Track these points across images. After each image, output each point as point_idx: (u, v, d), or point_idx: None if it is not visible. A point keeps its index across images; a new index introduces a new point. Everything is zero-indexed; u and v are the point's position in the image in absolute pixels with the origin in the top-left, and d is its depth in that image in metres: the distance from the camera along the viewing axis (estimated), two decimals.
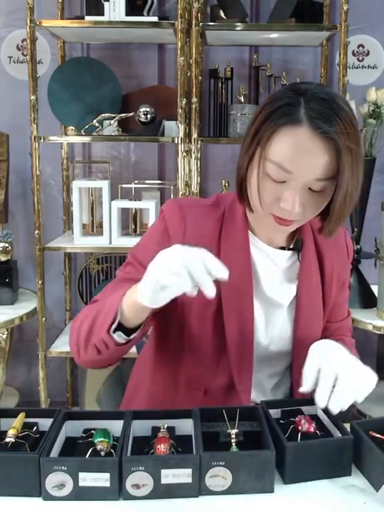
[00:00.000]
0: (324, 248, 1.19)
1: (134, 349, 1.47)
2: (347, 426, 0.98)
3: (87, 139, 2.22)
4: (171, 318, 1.16)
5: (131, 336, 1.00)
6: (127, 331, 1.00)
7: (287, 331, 1.17)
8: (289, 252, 1.17)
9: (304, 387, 0.95)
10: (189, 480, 0.86)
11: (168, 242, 1.09)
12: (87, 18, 2.12)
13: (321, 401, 0.92)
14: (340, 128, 0.94)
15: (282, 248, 1.16)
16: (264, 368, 1.19)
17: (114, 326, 0.98)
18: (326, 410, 1.04)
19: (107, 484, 0.86)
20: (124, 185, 2.25)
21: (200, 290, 0.85)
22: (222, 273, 0.85)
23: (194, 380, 1.15)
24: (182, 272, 0.83)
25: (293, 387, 1.21)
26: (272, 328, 1.17)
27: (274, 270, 1.16)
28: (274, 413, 1.03)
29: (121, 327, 0.99)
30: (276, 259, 1.16)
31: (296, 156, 0.96)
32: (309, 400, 1.07)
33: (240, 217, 1.14)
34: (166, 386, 1.19)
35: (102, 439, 0.92)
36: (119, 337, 0.99)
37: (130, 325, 1.00)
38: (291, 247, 1.17)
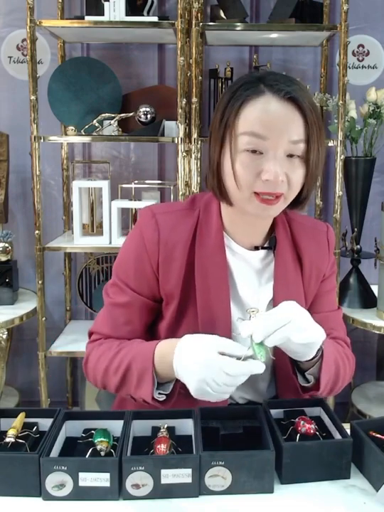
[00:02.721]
0: (302, 243, 1.18)
1: None
2: (347, 426, 0.98)
3: (87, 139, 2.22)
4: (158, 327, 1.18)
5: (169, 390, 1.04)
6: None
7: None
8: (263, 252, 1.16)
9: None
10: (189, 480, 0.86)
11: (145, 255, 1.11)
12: (87, 18, 2.12)
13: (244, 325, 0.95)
14: (298, 89, 1.01)
15: (257, 248, 1.15)
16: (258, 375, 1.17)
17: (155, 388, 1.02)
18: (328, 410, 1.04)
19: (107, 484, 0.86)
20: (124, 185, 2.25)
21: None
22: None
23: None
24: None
25: (277, 385, 1.19)
26: None
27: (249, 273, 1.15)
28: (276, 413, 1.03)
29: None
30: (251, 260, 1.15)
31: (267, 120, 0.99)
32: (312, 400, 1.07)
33: (215, 218, 1.14)
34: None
35: (102, 439, 0.92)
36: (160, 395, 1.03)
37: (162, 380, 1.04)
38: (265, 245, 1.16)
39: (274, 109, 0.99)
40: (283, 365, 1.12)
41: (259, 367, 0.92)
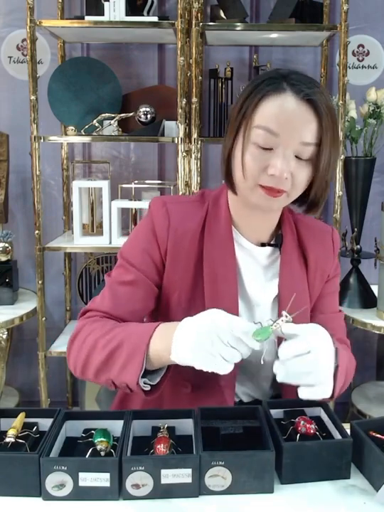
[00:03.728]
0: (308, 242, 1.19)
1: None
2: (347, 426, 0.98)
3: (87, 139, 2.22)
4: (160, 319, 1.14)
5: (155, 381, 1.00)
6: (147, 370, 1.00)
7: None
8: (270, 249, 1.17)
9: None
10: (189, 480, 0.86)
11: (154, 240, 1.12)
12: (87, 18, 2.12)
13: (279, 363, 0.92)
14: (318, 92, 1.02)
15: (264, 245, 1.16)
16: (260, 371, 1.16)
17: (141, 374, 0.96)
18: (328, 411, 1.04)
19: (107, 484, 0.86)
20: (124, 185, 2.25)
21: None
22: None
23: (180, 378, 1.12)
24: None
25: (281, 384, 1.18)
26: None
27: (255, 267, 1.16)
28: (277, 413, 1.03)
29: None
30: (258, 256, 1.16)
31: (282, 118, 1.00)
32: (312, 400, 1.07)
33: (224, 212, 1.15)
34: None
35: (101, 439, 0.92)
36: (145, 384, 0.98)
37: (151, 368, 1.00)
38: (272, 242, 1.17)
39: (291, 108, 1.00)
40: None
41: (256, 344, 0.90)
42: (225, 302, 1.09)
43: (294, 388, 1.10)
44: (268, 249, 1.17)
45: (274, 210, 1.13)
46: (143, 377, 0.98)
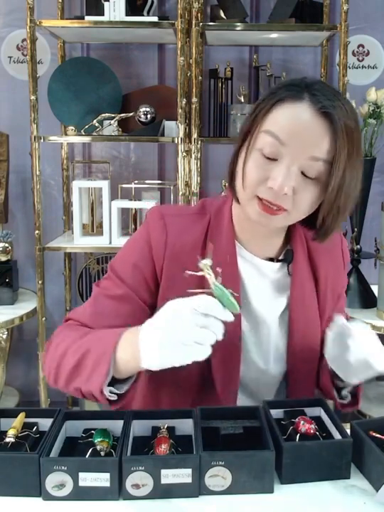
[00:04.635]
0: (318, 256, 1.14)
1: None
2: (347, 426, 0.98)
3: (87, 139, 2.22)
4: None
5: (123, 390, 0.93)
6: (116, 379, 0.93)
7: (282, 347, 1.12)
8: (278, 264, 1.11)
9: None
10: (189, 480, 0.86)
11: (149, 255, 1.05)
12: (87, 18, 2.12)
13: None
14: (339, 107, 0.93)
15: (271, 260, 1.10)
16: (260, 390, 1.14)
17: (106, 383, 0.90)
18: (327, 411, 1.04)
19: (107, 484, 0.86)
20: (124, 185, 2.25)
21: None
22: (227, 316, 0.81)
23: (180, 393, 1.10)
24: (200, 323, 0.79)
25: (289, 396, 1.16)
26: (262, 344, 1.11)
27: (262, 283, 1.10)
28: (276, 413, 1.03)
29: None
30: (265, 270, 1.10)
31: (293, 127, 0.93)
32: (312, 400, 1.07)
33: (226, 225, 1.08)
34: (157, 393, 1.14)
35: (101, 439, 0.92)
36: (111, 393, 0.91)
37: (120, 376, 0.93)
38: (280, 258, 1.11)
39: (304, 119, 0.93)
40: (298, 379, 1.12)
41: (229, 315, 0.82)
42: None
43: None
44: (276, 265, 1.10)
45: (271, 227, 1.04)
46: (113, 385, 0.92)
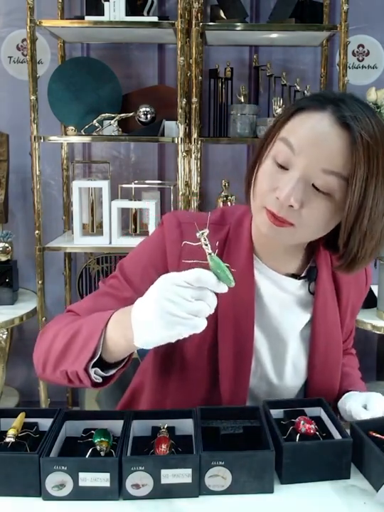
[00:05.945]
0: (342, 278, 1.10)
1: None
2: (347, 426, 0.98)
3: (87, 139, 2.22)
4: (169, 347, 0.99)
5: (109, 373, 0.91)
6: (105, 363, 0.91)
7: (301, 363, 1.10)
8: (300, 281, 1.07)
9: None
10: (189, 480, 0.86)
11: (162, 261, 1.03)
12: (87, 18, 2.13)
13: None
14: (362, 119, 0.87)
15: (294, 276, 1.07)
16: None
17: (92, 363, 0.87)
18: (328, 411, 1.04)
19: (107, 484, 0.86)
20: (124, 185, 2.25)
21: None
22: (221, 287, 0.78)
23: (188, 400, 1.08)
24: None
25: None
26: (278, 359, 1.09)
27: (282, 299, 1.07)
28: (276, 413, 1.03)
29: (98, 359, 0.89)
30: (285, 286, 1.06)
31: (308, 136, 0.88)
32: (312, 400, 1.07)
33: (246, 239, 1.04)
34: (162, 400, 1.12)
35: (101, 439, 0.92)
36: (96, 374, 0.89)
37: (110, 359, 0.90)
38: (303, 275, 1.07)
39: (321, 128, 0.88)
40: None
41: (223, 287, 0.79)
42: (238, 332, 1.03)
43: None
44: (298, 282, 1.07)
45: (280, 240, 0.98)
46: (104, 370, 0.90)
